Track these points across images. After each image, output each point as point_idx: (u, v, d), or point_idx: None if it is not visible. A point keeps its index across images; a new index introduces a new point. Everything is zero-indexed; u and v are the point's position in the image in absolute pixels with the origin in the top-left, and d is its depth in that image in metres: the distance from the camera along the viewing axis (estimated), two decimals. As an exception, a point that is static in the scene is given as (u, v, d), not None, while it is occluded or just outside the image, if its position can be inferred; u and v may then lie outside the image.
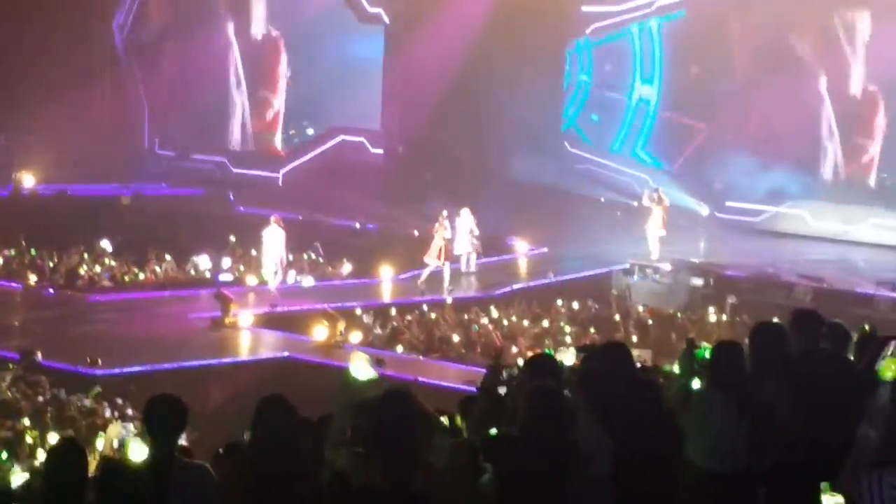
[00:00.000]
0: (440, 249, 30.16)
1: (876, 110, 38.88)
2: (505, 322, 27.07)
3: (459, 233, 31.18)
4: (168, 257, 30.87)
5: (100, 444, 16.90)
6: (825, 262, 33.72)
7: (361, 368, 8.60)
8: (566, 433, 7.98)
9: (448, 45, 38.16)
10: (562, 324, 27.09)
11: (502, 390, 10.02)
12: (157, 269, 30.29)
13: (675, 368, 11.33)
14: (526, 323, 27.10)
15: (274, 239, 29.38)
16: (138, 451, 7.63)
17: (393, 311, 27.46)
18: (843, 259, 34.64)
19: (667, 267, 30.85)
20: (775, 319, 11.55)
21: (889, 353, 7.90)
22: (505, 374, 10.92)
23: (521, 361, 14.56)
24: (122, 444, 15.69)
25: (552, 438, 7.82)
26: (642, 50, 41.92)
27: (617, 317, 27.82)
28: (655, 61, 41.68)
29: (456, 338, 25.50)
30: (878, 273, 31.38)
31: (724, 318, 27.30)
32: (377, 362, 20.37)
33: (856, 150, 39.28)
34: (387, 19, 42.11)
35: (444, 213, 30.84)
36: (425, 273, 30.17)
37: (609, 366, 9.42)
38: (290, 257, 30.50)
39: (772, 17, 38.46)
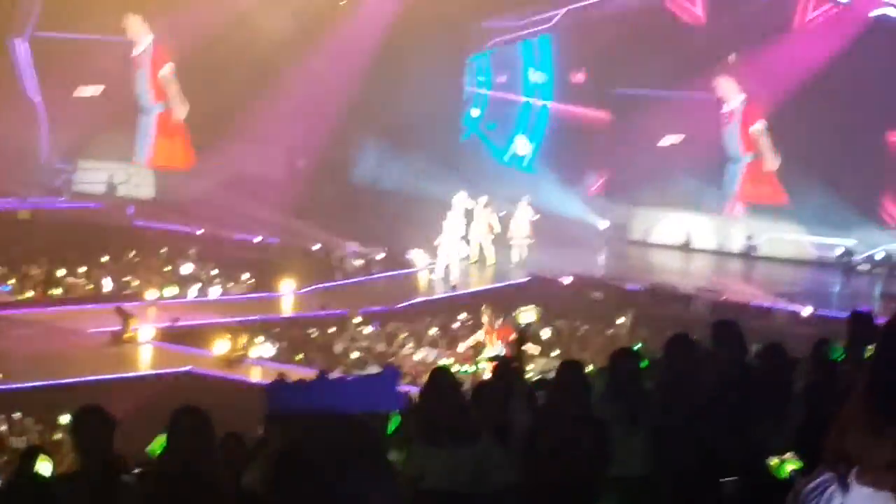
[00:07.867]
0: None
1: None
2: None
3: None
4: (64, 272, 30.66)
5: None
6: (720, 274, 34.20)
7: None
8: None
9: (348, 60, 38.24)
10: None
11: None
12: (57, 283, 30.02)
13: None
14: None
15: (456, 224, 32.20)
16: (45, 468, 7.49)
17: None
18: (737, 272, 35.15)
19: (567, 280, 31.11)
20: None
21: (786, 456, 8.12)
22: None
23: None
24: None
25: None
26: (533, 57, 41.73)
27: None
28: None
29: (356, 353, 25.49)
30: (774, 286, 31.89)
31: (624, 331, 27.44)
32: (278, 376, 20.37)
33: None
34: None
35: None
36: None
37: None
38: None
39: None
